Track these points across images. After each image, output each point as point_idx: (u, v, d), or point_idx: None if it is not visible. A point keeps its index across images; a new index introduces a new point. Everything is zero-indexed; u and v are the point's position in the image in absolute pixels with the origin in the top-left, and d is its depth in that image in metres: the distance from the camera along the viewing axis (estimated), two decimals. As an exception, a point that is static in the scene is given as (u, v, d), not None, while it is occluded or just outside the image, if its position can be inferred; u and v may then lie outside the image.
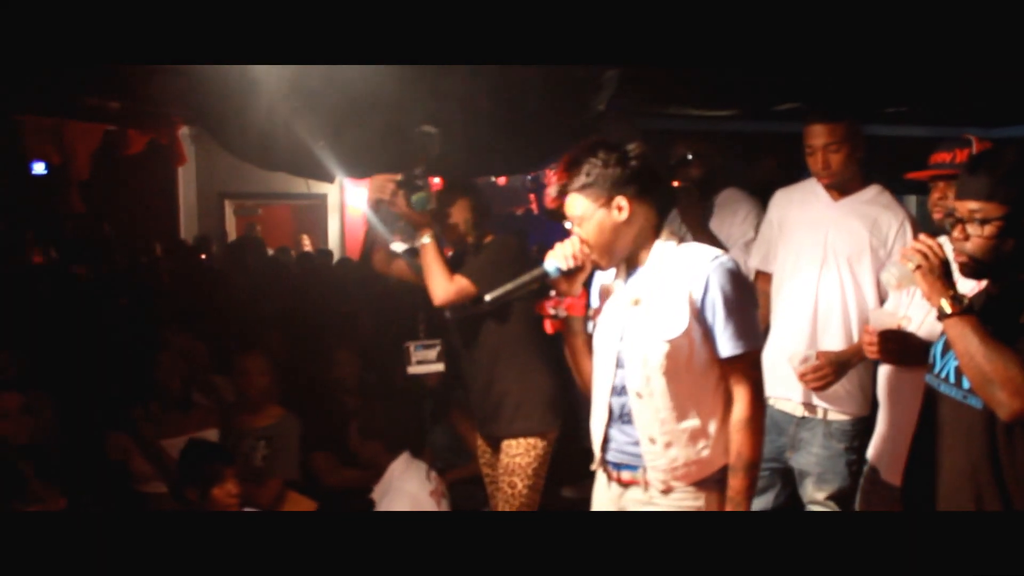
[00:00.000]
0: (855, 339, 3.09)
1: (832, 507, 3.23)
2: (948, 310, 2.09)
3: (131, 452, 3.93)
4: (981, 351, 2.02)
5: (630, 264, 2.40)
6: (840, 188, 3.22)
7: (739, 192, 3.92)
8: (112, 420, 4.00)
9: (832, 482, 3.20)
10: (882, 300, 3.09)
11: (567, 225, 2.36)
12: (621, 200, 2.29)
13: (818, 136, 3.15)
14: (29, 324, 4.95)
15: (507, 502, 3.46)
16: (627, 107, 5.32)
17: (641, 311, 2.32)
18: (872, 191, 3.24)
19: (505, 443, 3.50)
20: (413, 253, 3.60)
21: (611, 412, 2.40)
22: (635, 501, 2.39)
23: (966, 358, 2.06)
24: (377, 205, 3.39)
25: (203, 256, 9.00)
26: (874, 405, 3.00)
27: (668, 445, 2.30)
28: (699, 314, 2.26)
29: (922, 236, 2.20)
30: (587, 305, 2.47)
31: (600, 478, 2.52)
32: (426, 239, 3.35)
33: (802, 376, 3.06)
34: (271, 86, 3.82)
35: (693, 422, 2.31)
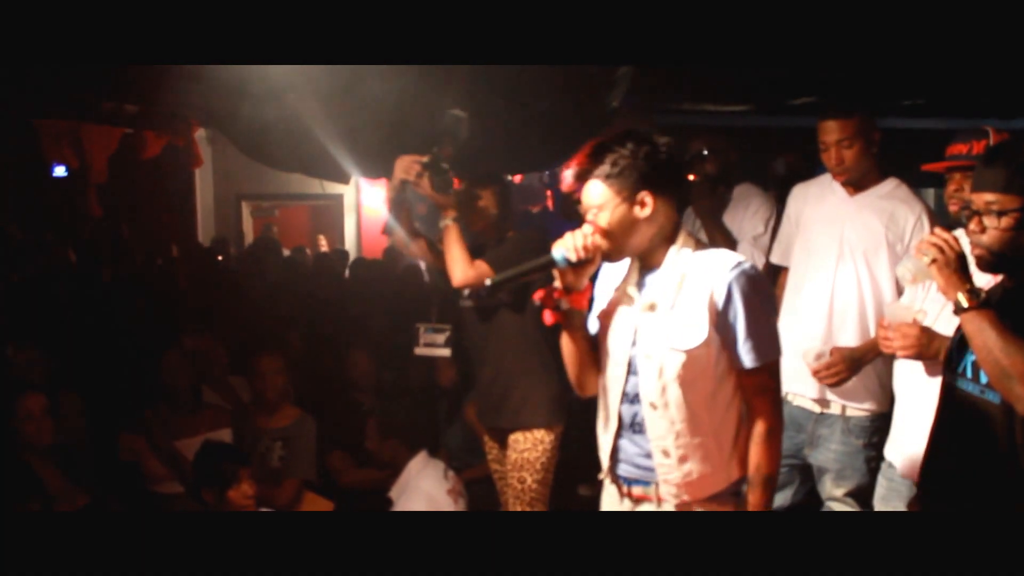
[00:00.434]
0: (872, 334, 3.07)
1: (851, 503, 3.21)
2: (965, 304, 2.07)
3: (143, 453, 3.95)
4: (999, 345, 2.00)
5: (644, 265, 2.28)
6: (856, 183, 3.20)
7: (753, 187, 3.91)
8: (124, 421, 4.02)
9: (851, 478, 3.19)
10: (900, 295, 3.07)
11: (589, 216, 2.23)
12: (646, 195, 2.17)
13: (831, 132, 3.13)
14: (52, 326, 4.98)
15: (517, 498, 3.48)
16: (642, 103, 5.31)
17: (657, 317, 2.21)
18: (889, 185, 3.21)
19: (512, 438, 3.51)
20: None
21: (621, 421, 2.29)
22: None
23: (983, 352, 2.04)
24: (402, 185, 3.39)
25: (220, 257, 9.04)
26: (891, 400, 2.98)
27: (683, 459, 2.20)
28: (719, 323, 2.16)
29: (937, 230, 2.18)
30: (590, 300, 2.32)
31: (609, 490, 2.42)
32: (448, 221, 3.35)
33: (816, 372, 3.05)
34: (286, 87, 3.84)
35: (709, 434, 2.21)
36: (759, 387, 2.21)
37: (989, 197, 2.07)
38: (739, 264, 2.19)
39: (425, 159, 3.33)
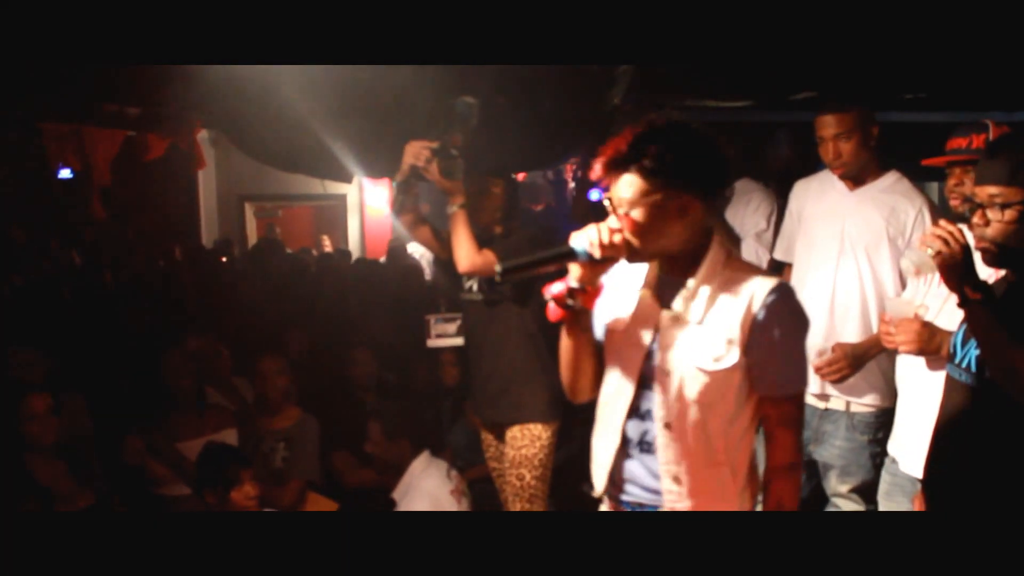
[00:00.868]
0: (874, 329, 3.06)
1: (856, 499, 3.21)
2: (969, 297, 2.06)
3: (147, 456, 3.94)
4: (1003, 338, 1.99)
5: (670, 270, 2.05)
6: (855, 177, 3.19)
7: (752, 182, 3.90)
8: (129, 423, 4.02)
9: (856, 475, 3.18)
10: (902, 289, 3.06)
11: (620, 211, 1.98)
12: (690, 199, 1.94)
13: (828, 126, 3.13)
14: (56, 328, 5.00)
15: (516, 495, 3.48)
16: (643, 100, 5.30)
17: (682, 330, 2.00)
18: (889, 179, 3.20)
19: (510, 435, 3.52)
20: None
21: (625, 438, 2.07)
22: None
23: (987, 346, 2.03)
24: (411, 171, 3.39)
25: (224, 259, 9.06)
26: (895, 396, 2.97)
27: (694, 490, 2.00)
28: (751, 345, 1.96)
29: (942, 222, 2.16)
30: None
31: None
32: (456, 207, 3.35)
33: (818, 369, 3.05)
34: (288, 88, 3.84)
35: (724, 464, 2.01)
36: (785, 418, 2.02)
37: (993, 190, 2.06)
38: (780, 286, 1.99)
39: (435, 145, 3.34)
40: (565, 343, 2.12)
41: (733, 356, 1.96)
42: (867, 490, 3.14)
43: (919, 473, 2.50)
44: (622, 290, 2.10)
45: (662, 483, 2.01)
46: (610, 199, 1.96)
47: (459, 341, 3.94)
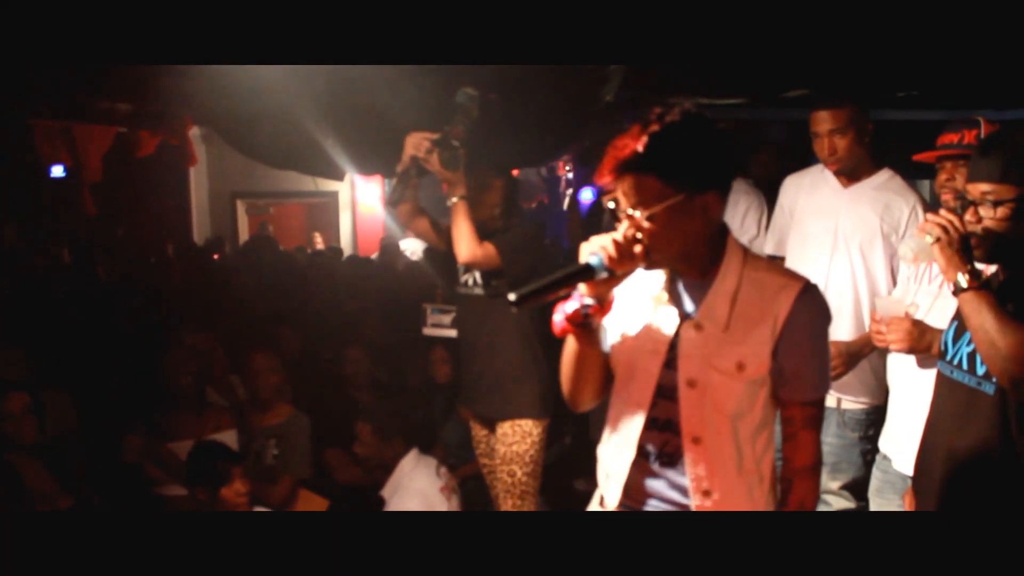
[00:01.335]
0: (867, 327, 3.07)
1: (846, 496, 3.21)
2: (964, 284, 2.06)
3: (144, 456, 3.93)
4: (995, 326, 2.00)
5: (686, 274, 1.93)
6: (849, 174, 3.20)
7: (741, 183, 3.88)
8: (127, 422, 4.00)
9: (846, 472, 3.19)
10: (895, 286, 3.07)
11: (610, 206, 1.86)
12: (710, 196, 1.81)
13: (822, 122, 3.13)
14: (44, 325, 4.98)
15: (507, 491, 3.48)
16: (635, 97, 5.29)
17: (705, 337, 1.88)
18: (883, 176, 3.21)
19: (501, 431, 3.51)
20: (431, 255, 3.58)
21: (642, 450, 1.95)
22: None
23: (980, 332, 2.04)
24: (412, 162, 3.39)
25: (216, 256, 9.05)
26: (886, 393, 2.98)
27: (723, 500, 1.90)
28: (780, 348, 1.86)
29: (942, 210, 2.17)
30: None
31: None
32: (456, 198, 3.35)
33: (810, 366, 3.05)
34: (280, 85, 3.83)
35: (753, 471, 1.92)
36: (810, 419, 1.94)
37: (985, 187, 2.07)
38: (809, 287, 1.88)
39: (436, 136, 3.34)
40: (571, 356, 1.99)
41: (763, 363, 1.86)
42: (858, 487, 3.14)
43: (910, 470, 2.50)
44: (634, 298, 1.97)
45: (692, 497, 1.90)
46: (619, 205, 1.82)
47: (452, 332, 3.94)
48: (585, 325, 1.87)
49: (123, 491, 3.81)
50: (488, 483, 3.70)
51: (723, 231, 1.91)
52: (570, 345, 1.97)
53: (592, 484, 2.27)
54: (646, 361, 1.93)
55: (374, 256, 9.24)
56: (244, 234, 11.25)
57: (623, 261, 1.79)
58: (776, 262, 2.04)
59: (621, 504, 2.00)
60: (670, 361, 1.90)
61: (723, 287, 1.88)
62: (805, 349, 1.88)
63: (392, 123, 3.68)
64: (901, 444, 2.73)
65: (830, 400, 3.17)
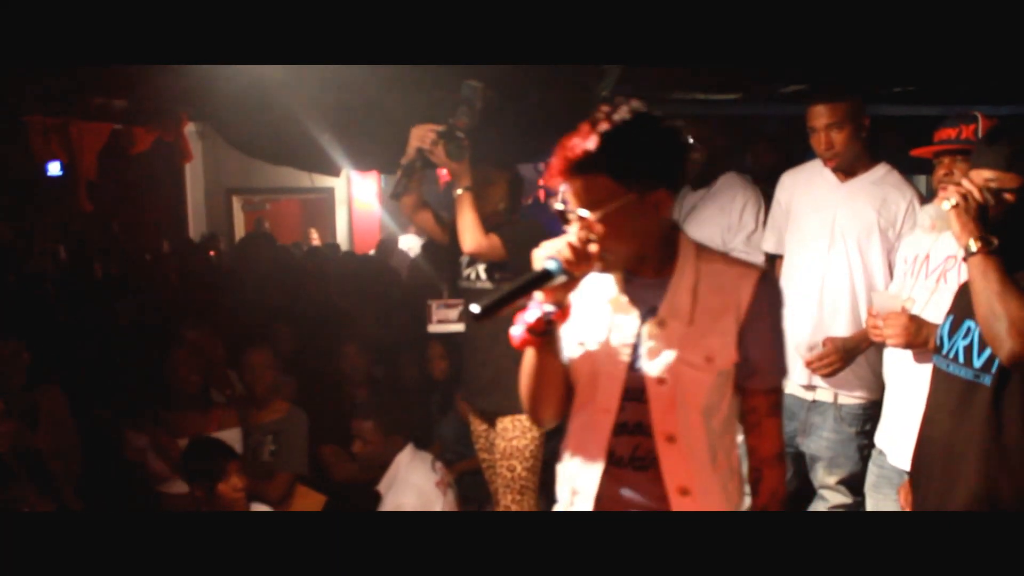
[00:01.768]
0: (864, 322, 3.07)
1: (843, 491, 3.21)
2: (974, 248, 2.09)
3: (147, 452, 3.92)
4: (998, 290, 2.03)
5: (642, 272, 1.91)
6: (846, 168, 3.19)
7: (738, 177, 3.86)
8: (125, 420, 3.99)
9: (843, 466, 3.19)
10: (892, 281, 3.07)
11: (558, 207, 1.83)
12: (662, 193, 1.79)
13: (820, 117, 3.12)
14: (39, 322, 4.96)
15: (507, 486, 3.48)
16: (632, 93, 5.28)
17: (669, 334, 1.86)
18: (880, 171, 3.21)
19: (501, 426, 3.52)
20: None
21: (612, 458, 1.91)
22: None
23: (983, 295, 2.06)
24: (417, 154, 3.39)
25: (212, 252, 9.03)
26: (883, 388, 2.98)
27: (701, 498, 1.88)
28: (743, 338, 1.86)
29: (964, 180, 2.17)
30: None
31: None
32: (462, 189, 3.36)
33: (809, 364, 3.05)
34: (276, 81, 3.83)
35: (725, 464, 1.92)
36: (773, 407, 1.94)
37: (988, 175, 2.08)
38: (766, 275, 1.90)
39: (441, 128, 3.34)
40: (531, 369, 1.95)
41: (730, 353, 1.86)
42: (854, 482, 3.15)
43: (906, 465, 2.51)
44: (590, 304, 1.94)
45: (670, 497, 1.87)
46: (570, 207, 1.79)
47: (460, 327, 3.93)
48: (547, 333, 1.84)
49: (119, 490, 3.80)
50: (487, 478, 3.70)
51: (675, 228, 1.92)
52: (529, 358, 1.94)
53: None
54: (610, 365, 1.90)
55: (372, 252, 9.23)
56: (240, 230, 11.23)
57: (580, 263, 1.77)
58: (729, 254, 2.03)
59: None
60: (634, 362, 1.88)
61: (683, 282, 1.87)
62: (768, 336, 1.89)
63: (388, 118, 3.68)
64: (897, 439, 2.73)
65: (827, 395, 3.18)
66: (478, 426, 3.69)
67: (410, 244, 9.67)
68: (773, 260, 3.50)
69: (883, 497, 2.85)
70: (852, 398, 3.16)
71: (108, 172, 7.70)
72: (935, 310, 2.54)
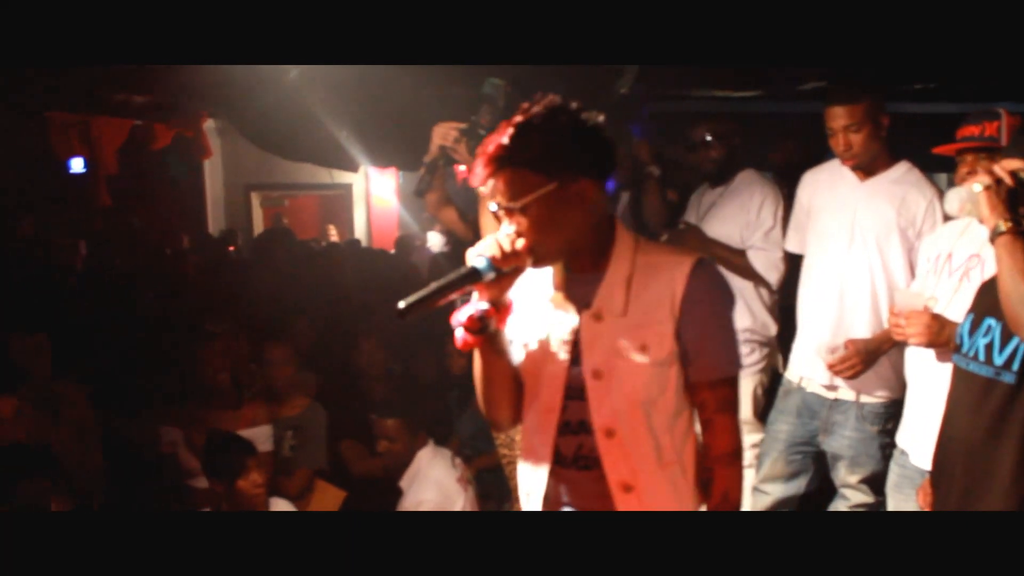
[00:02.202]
0: (884, 322, 3.05)
1: (865, 491, 3.20)
2: (1003, 228, 2.07)
3: (180, 446, 3.91)
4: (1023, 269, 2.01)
5: (577, 267, 1.90)
6: (866, 168, 3.17)
7: (756, 174, 3.84)
8: (160, 414, 3.99)
9: (865, 465, 3.18)
10: (912, 279, 3.05)
11: (492, 208, 1.84)
12: (585, 184, 1.80)
13: (838, 118, 3.10)
14: (60, 316, 4.99)
15: None
16: (650, 90, 5.27)
17: (605, 327, 1.86)
18: (900, 169, 3.18)
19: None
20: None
21: (558, 457, 1.91)
22: None
23: (1008, 275, 2.05)
24: (440, 152, 3.40)
25: (231, 248, 9.08)
26: (904, 387, 2.96)
27: (646, 495, 1.86)
28: (681, 329, 1.84)
29: (996, 165, 2.17)
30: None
31: None
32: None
33: (831, 366, 3.04)
34: (294, 78, 3.84)
35: (674, 463, 1.89)
36: (723, 402, 1.90)
37: (1018, 164, 2.07)
38: (701, 261, 1.87)
39: (463, 125, 3.35)
40: (480, 371, 1.96)
41: (667, 344, 1.84)
42: (876, 481, 3.13)
43: (928, 465, 2.49)
44: (529, 301, 1.95)
45: (613, 495, 1.86)
46: (500, 203, 1.81)
47: None
48: (483, 331, 1.83)
49: (140, 484, 3.81)
50: (507, 474, 3.70)
51: (610, 221, 1.91)
52: (477, 360, 1.95)
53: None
54: (552, 363, 1.90)
55: (392, 251, 9.25)
56: (259, 226, 11.28)
57: (508, 259, 1.78)
58: (669, 244, 2.01)
59: None
60: (575, 359, 1.88)
61: (617, 275, 1.87)
62: (706, 324, 1.86)
63: (407, 115, 3.69)
64: (919, 438, 2.72)
65: (849, 394, 3.16)
66: None
67: (435, 241, 9.68)
68: (798, 261, 3.47)
69: (904, 497, 2.83)
70: (873, 397, 3.15)
71: (128, 167, 7.77)
72: (958, 309, 2.52)
